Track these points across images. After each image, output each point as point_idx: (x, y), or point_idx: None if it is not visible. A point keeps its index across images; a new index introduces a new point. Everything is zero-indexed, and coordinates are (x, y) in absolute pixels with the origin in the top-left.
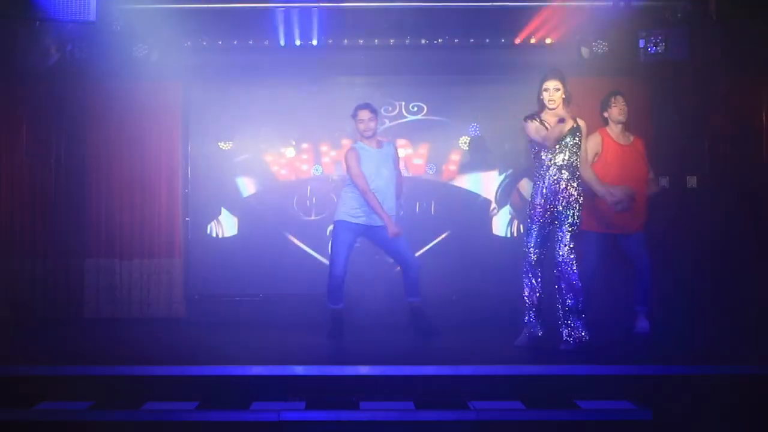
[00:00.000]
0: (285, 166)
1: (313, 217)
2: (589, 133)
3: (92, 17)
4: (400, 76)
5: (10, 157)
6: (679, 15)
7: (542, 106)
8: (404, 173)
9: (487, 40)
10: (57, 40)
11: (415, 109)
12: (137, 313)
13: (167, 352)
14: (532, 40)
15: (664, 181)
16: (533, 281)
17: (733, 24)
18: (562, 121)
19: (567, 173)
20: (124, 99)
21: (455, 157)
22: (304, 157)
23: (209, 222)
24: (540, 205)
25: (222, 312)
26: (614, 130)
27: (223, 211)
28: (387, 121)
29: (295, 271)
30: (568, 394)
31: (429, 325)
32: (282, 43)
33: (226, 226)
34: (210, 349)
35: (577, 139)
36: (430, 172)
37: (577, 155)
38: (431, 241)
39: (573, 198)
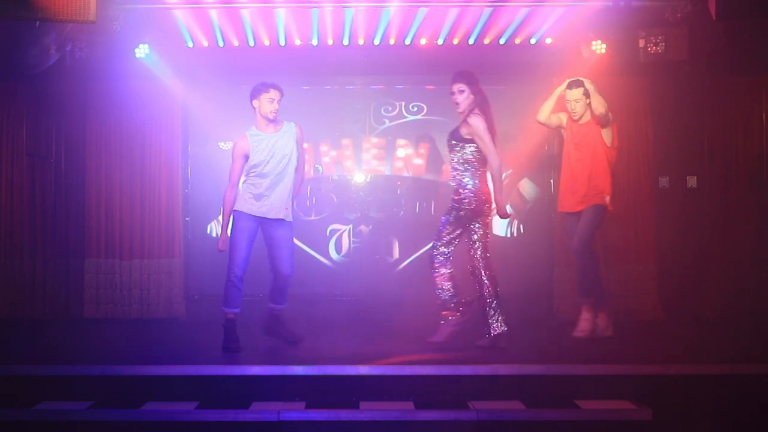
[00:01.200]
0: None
1: (313, 217)
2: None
3: (92, 17)
4: (400, 76)
5: (10, 157)
6: (678, 15)
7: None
8: (404, 173)
9: (487, 41)
10: (57, 40)
11: (415, 109)
12: (137, 313)
13: (167, 352)
14: (533, 40)
15: (664, 181)
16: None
17: (733, 24)
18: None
19: (455, 174)
20: (124, 99)
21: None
22: (306, 157)
23: (209, 222)
24: (456, 203)
25: (222, 312)
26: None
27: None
28: (387, 121)
29: (295, 271)
30: (568, 394)
31: (291, 333)
32: (282, 43)
33: None
34: (210, 349)
35: (454, 140)
36: (430, 172)
37: (459, 156)
38: (431, 241)
39: (465, 202)
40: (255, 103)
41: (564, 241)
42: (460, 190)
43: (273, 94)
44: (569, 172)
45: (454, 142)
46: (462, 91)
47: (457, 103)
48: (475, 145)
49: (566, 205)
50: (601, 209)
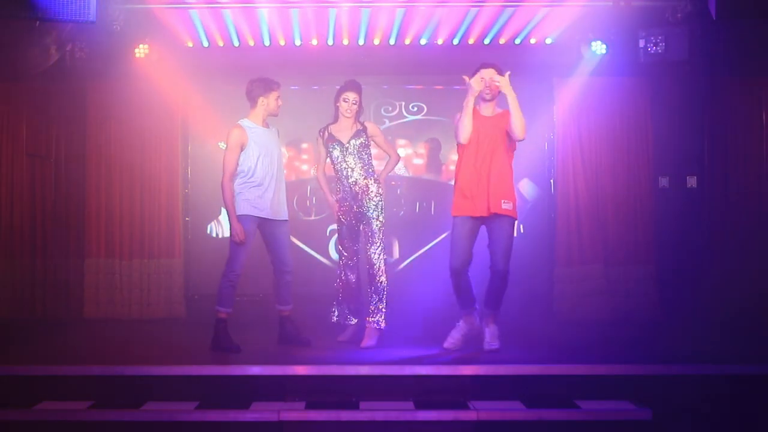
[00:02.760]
0: (285, 166)
1: (313, 217)
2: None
3: (92, 17)
4: (400, 76)
5: (10, 157)
6: (679, 15)
7: (337, 115)
8: (404, 173)
9: (487, 41)
10: (57, 40)
11: (415, 109)
12: (137, 313)
13: (167, 352)
14: (533, 40)
15: (664, 181)
16: (349, 276)
17: (733, 24)
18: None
19: (361, 172)
20: (124, 99)
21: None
22: (304, 157)
23: (209, 222)
24: (343, 206)
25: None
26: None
27: (223, 211)
28: (387, 121)
29: (295, 270)
30: (568, 394)
31: (298, 335)
32: (282, 43)
33: (226, 226)
34: (210, 349)
35: (362, 139)
36: (430, 172)
37: (366, 154)
38: (431, 241)
39: (373, 194)
40: (262, 99)
41: (564, 241)
42: (379, 188)
43: (279, 91)
44: (469, 172)
45: (366, 142)
46: (355, 103)
47: (350, 110)
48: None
49: (467, 209)
50: (513, 222)
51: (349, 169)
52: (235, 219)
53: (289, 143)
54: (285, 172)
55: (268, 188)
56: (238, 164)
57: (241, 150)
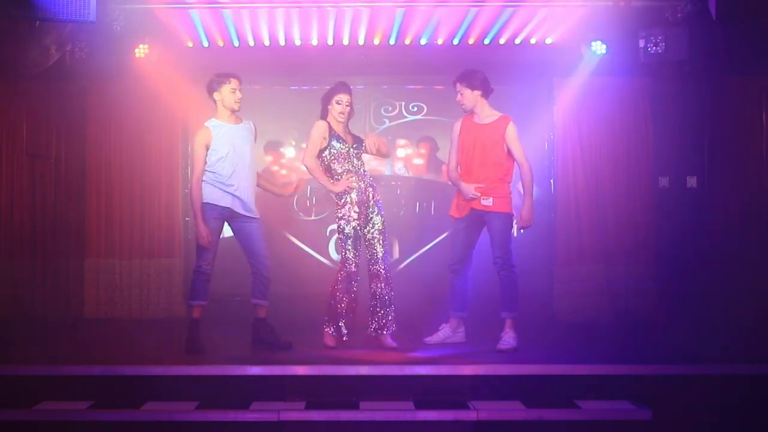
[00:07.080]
0: (285, 166)
1: (313, 217)
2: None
3: (92, 17)
4: (400, 76)
5: (10, 157)
6: (679, 15)
7: (331, 116)
8: (404, 173)
9: (487, 41)
10: (57, 40)
11: (415, 109)
12: (137, 313)
13: (167, 352)
14: (533, 40)
15: (664, 181)
16: (354, 286)
17: (733, 24)
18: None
19: (365, 178)
20: (124, 99)
21: None
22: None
23: None
24: (355, 208)
25: (222, 312)
26: (476, 113)
27: None
28: (387, 121)
29: (295, 270)
30: (568, 394)
31: (276, 339)
32: (282, 43)
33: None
34: (210, 349)
35: (362, 148)
36: (430, 172)
37: (360, 162)
38: (431, 241)
39: (376, 198)
40: (216, 95)
41: (564, 241)
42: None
43: (234, 83)
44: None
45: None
46: (348, 104)
47: (343, 114)
48: None
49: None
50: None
51: (362, 171)
52: (201, 220)
53: (288, 144)
54: (256, 168)
55: (238, 187)
56: (205, 164)
57: (207, 149)
